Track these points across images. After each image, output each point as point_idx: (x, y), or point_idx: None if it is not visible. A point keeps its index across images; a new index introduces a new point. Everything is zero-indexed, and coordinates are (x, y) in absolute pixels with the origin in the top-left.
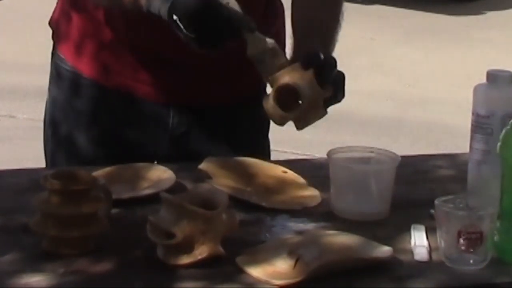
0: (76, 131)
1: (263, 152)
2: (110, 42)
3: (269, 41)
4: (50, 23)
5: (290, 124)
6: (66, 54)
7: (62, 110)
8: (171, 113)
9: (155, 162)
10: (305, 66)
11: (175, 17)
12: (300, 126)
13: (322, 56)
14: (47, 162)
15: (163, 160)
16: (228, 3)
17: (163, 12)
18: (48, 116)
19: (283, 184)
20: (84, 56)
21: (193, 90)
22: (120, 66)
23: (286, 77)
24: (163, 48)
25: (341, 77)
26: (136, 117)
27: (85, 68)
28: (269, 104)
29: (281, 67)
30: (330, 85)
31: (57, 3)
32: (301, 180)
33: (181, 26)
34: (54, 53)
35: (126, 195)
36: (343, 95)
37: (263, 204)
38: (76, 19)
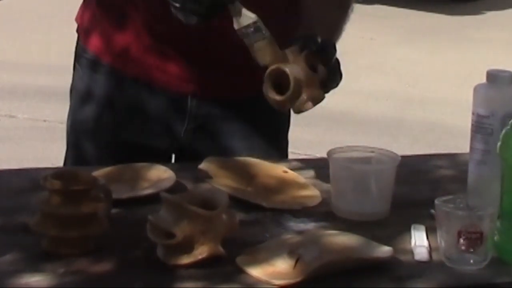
0: (92, 122)
1: (281, 152)
2: (133, 33)
3: (251, 15)
4: (76, 19)
5: (290, 124)
6: (89, 44)
7: (80, 99)
8: (188, 104)
9: (172, 154)
10: (299, 50)
11: None
12: (296, 109)
13: (318, 40)
14: (66, 155)
15: (179, 152)
16: None
17: None
18: (70, 111)
19: (283, 184)
20: (106, 45)
21: (212, 82)
22: (140, 54)
23: (276, 63)
24: (185, 40)
25: (336, 62)
26: (154, 106)
27: (105, 55)
28: (265, 90)
29: (267, 45)
30: (324, 68)
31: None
32: (301, 180)
33: None
34: (77, 44)
35: (126, 195)
36: (340, 77)
37: (263, 204)
38: (98, 12)
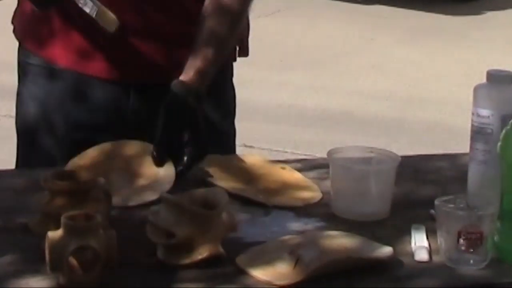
0: (41, 125)
1: (227, 141)
2: (61, 24)
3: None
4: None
5: (290, 124)
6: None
7: (23, 101)
8: (130, 93)
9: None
10: None
11: None
12: None
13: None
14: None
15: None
16: None
17: None
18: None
19: (283, 182)
20: (35, 38)
21: (149, 69)
22: (71, 45)
23: None
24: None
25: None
26: (92, 98)
27: (34, 48)
28: None
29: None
30: None
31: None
32: (301, 179)
33: None
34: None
35: (129, 202)
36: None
37: (265, 202)
38: (27, 7)
